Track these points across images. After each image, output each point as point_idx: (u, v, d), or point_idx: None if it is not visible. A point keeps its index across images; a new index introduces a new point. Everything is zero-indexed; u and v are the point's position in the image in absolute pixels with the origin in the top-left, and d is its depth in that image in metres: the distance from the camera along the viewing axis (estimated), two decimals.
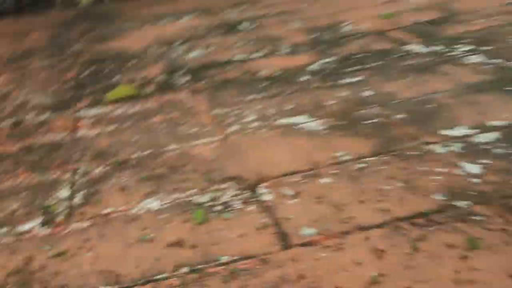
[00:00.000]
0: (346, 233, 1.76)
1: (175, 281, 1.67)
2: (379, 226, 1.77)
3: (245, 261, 1.70)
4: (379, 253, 1.65)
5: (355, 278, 1.57)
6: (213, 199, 2.06)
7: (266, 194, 2.05)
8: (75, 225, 2.02)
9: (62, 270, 1.79)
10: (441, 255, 1.61)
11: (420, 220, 1.77)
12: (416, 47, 3.33)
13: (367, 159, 2.18)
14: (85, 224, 2.02)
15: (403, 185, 1.97)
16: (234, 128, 2.63)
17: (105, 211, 2.08)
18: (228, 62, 3.56)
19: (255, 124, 2.63)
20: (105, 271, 1.76)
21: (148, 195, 2.15)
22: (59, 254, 1.86)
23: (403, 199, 1.89)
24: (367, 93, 2.78)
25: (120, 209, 2.08)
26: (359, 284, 1.55)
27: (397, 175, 2.04)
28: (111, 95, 3.09)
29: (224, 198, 2.06)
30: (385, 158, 2.17)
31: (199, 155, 2.41)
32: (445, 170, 2.02)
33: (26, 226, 2.05)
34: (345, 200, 1.93)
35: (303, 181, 2.09)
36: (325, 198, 1.96)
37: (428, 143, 2.22)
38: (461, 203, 1.83)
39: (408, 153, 2.18)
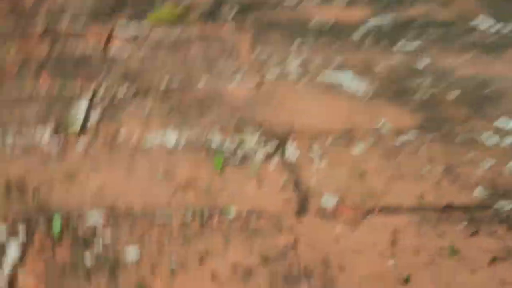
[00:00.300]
0: (369, 211, 1.60)
1: (175, 223, 1.54)
2: (406, 209, 1.60)
3: (254, 218, 1.56)
4: (396, 239, 1.48)
5: (366, 260, 1.42)
6: (235, 146, 1.91)
7: (292, 150, 1.88)
8: (85, 143, 1.89)
9: (61, 190, 1.67)
10: (469, 259, 1.44)
11: (453, 213, 1.59)
12: (486, 23, 3.06)
13: (409, 134, 1.98)
14: (95, 144, 1.89)
15: (443, 171, 1.78)
16: (273, 74, 2.45)
17: (119, 136, 1.95)
18: (280, 4, 3.34)
19: (296, 74, 2.45)
20: (105, 198, 1.64)
21: (168, 128, 2.01)
22: (63, 173, 1.74)
23: (439, 186, 1.71)
24: (422, 64, 2.56)
25: (135, 136, 1.95)
26: (368, 267, 1.40)
27: (438, 158, 1.85)
28: (153, 15, 2.92)
29: (247, 147, 1.90)
30: (429, 136, 1.97)
31: (231, 96, 2.25)
32: (492, 163, 1.82)
33: (37, 134, 1.94)
34: (375, 174, 1.76)
35: (335, 144, 1.92)
36: (355, 167, 1.79)
37: (479, 130, 2.01)
38: (503, 204, 1.64)
39: (455, 137, 1.98)
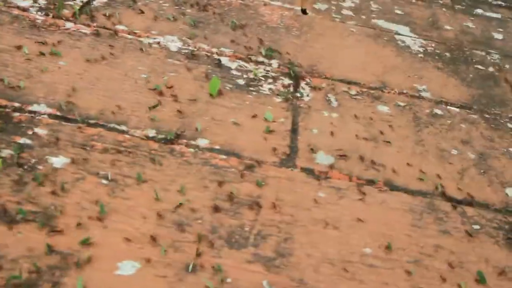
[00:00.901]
0: (369, 182, 1.30)
1: (143, 134, 1.29)
2: (412, 192, 1.29)
3: (228, 157, 1.29)
4: (390, 229, 1.19)
5: (340, 238, 1.13)
6: (244, 69, 1.62)
7: (307, 91, 1.58)
8: (79, 26, 1.64)
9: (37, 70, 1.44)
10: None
11: (470, 210, 1.27)
12: None
13: (451, 108, 1.65)
14: (89, 31, 1.64)
15: (475, 158, 1.45)
16: (321, 4, 2.12)
17: (118, 27, 1.69)
18: None
19: (349, 11, 2.11)
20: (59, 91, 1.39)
21: (174, 31, 1.73)
22: (50, 53, 1.51)
23: (464, 175, 1.39)
24: (496, 36, 2.17)
25: (135, 31, 1.68)
26: (333, 241, 1.12)
27: (474, 143, 1.51)
28: None
29: (258, 75, 1.61)
30: (473, 116, 1.63)
31: (264, 16, 1.95)
32: None
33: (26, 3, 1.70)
34: (393, 143, 1.44)
35: (358, 96, 1.61)
36: (371, 128, 1.48)
37: None
38: None
39: (503, 124, 1.63)
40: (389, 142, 1.44)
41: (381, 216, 1.21)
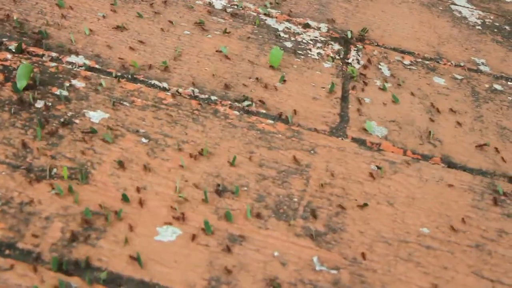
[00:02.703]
0: (425, 157, 1.20)
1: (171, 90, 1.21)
2: (473, 171, 1.19)
3: (274, 122, 1.20)
4: (448, 209, 1.10)
5: (382, 209, 1.05)
6: (291, 32, 1.53)
7: (357, 57, 1.48)
8: None
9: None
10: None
11: None
12: None
13: (510, 84, 1.54)
14: None
15: None
16: None
17: None
18: None
19: None
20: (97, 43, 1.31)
21: None
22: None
23: None
24: None
25: None
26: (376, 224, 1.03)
27: None
28: None
29: (307, 38, 1.52)
30: None
31: None
32: None
33: None
34: (450, 118, 1.34)
35: (412, 66, 1.50)
36: (426, 100, 1.38)
37: None
38: None
39: None
40: (446, 116, 1.34)
41: (438, 194, 1.11)
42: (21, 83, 1.10)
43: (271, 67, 1.37)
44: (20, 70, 1.10)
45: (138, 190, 0.96)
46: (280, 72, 1.36)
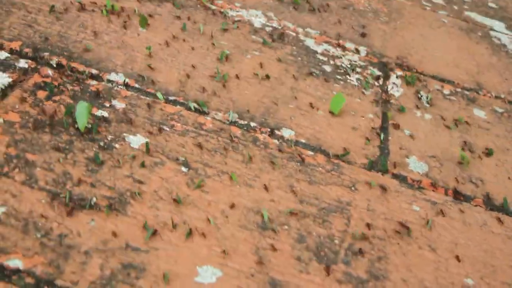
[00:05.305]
0: (467, 198, 1.17)
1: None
2: (510, 214, 1.16)
3: (314, 154, 1.17)
4: (492, 257, 1.06)
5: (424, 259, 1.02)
6: (330, 55, 1.50)
7: (396, 86, 1.45)
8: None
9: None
10: None
11: None
12: None
13: None
14: None
15: None
16: None
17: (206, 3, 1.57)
18: None
19: (438, 3, 1.95)
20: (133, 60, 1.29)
21: (258, 5, 1.60)
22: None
23: None
24: None
25: (218, 2, 1.56)
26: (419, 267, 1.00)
27: None
28: None
29: (346, 62, 1.49)
30: None
31: (356, 3, 1.81)
32: None
33: None
34: (492, 155, 1.31)
35: (452, 97, 1.47)
36: (467, 135, 1.35)
37: None
38: None
39: None
40: (487, 153, 1.31)
41: (481, 240, 1.08)
42: (82, 123, 1.05)
43: (309, 94, 1.34)
44: (80, 109, 1.04)
45: (175, 225, 0.94)
46: (319, 99, 1.33)
